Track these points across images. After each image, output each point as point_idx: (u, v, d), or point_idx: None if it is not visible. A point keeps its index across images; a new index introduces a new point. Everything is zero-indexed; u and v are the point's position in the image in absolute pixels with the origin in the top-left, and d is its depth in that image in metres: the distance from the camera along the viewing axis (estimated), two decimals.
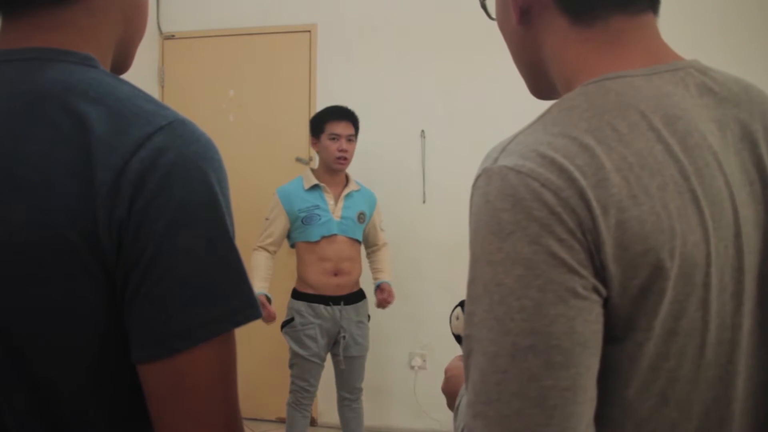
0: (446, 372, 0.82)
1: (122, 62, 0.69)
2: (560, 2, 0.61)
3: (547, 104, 0.76)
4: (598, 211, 0.49)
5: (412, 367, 3.20)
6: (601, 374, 0.51)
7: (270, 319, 2.44)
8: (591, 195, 0.50)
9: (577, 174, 0.50)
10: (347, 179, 2.64)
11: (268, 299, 2.45)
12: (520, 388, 0.48)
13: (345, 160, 2.53)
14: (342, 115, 2.57)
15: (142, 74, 3.25)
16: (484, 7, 0.73)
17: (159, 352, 0.52)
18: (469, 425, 0.50)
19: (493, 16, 0.71)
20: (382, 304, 2.64)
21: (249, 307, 0.56)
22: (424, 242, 3.19)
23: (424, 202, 3.20)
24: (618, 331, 0.52)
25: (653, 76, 0.57)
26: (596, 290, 0.50)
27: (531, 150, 0.53)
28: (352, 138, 2.57)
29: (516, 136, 0.56)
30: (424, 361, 3.20)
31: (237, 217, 0.59)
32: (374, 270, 2.72)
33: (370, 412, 2.78)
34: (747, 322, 0.57)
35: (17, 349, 0.53)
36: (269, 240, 2.52)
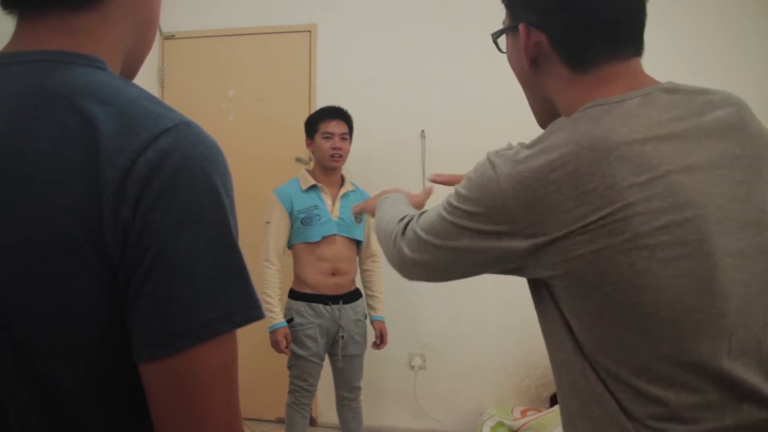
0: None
1: (129, 73, 0.70)
2: (563, 56, 0.78)
3: None
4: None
5: (412, 367, 3.21)
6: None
7: (285, 352, 2.46)
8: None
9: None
10: (342, 180, 2.64)
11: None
12: None
13: (339, 157, 2.54)
14: (334, 113, 2.58)
15: (142, 74, 3.21)
16: (495, 43, 0.88)
17: (160, 351, 0.53)
18: None
19: (503, 50, 0.88)
20: (379, 347, 2.68)
21: (250, 308, 0.56)
22: None
23: None
24: None
25: (624, 102, 0.72)
26: None
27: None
28: (345, 136, 2.57)
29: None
30: (424, 361, 3.20)
31: (237, 217, 0.59)
32: (368, 297, 2.71)
33: (369, 412, 2.78)
34: None
35: (19, 345, 0.54)
36: (273, 252, 2.49)
